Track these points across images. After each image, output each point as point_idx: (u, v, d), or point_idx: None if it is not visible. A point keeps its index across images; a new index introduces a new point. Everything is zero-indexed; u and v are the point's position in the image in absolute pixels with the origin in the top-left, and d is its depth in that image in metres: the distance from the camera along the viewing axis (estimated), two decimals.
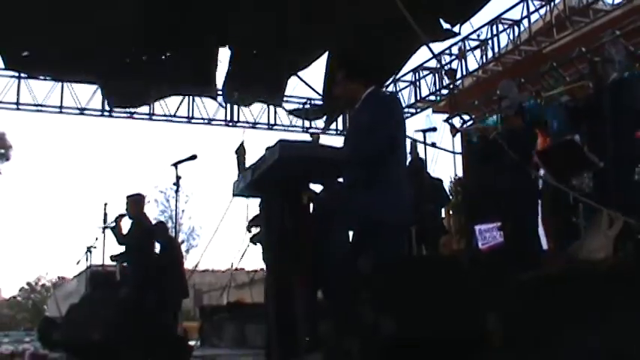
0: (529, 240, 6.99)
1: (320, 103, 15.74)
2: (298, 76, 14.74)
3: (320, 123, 16.40)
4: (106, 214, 11.59)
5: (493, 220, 10.65)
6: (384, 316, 2.96)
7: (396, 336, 2.91)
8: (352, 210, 4.74)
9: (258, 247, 8.04)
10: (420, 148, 8.40)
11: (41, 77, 14.19)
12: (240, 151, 6.78)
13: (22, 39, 12.23)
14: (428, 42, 8.36)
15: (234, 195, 5.74)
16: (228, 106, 15.60)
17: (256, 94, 14.89)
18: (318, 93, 15.38)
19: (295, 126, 16.12)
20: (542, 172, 7.38)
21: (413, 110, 15.57)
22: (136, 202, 9.56)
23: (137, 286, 8.57)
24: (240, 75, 13.59)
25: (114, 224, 9.87)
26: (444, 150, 10.79)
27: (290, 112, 15.90)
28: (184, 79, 13.83)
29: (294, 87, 15.32)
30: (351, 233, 5.01)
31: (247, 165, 5.88)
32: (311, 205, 6.83)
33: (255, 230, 7.89)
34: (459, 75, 13.76)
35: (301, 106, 16.06)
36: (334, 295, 6.26)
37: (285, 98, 15.80)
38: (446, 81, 14.25)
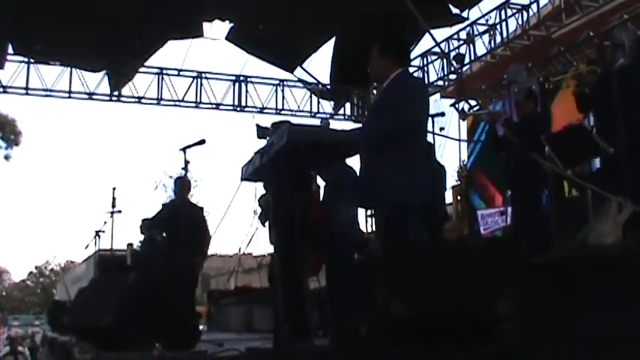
0: (540, 225, 6.99)
1: (328, 87, 15.72)
2: (303, 68, 14.61)
3: (328, 107, 16.38)
4: (114, 198, 11.62)
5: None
6: (395, 298, 2.97)
7: (407, 319, 2.92)
8: (369, 190, 4.73)
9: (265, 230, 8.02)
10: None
11: (50, 62, 14.20)
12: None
13: (31, 24, 12.21)
14: (429, 29, 8.34)
15: (242, 179, 5.76)
16: (237, 90, 15.62)
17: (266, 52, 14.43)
18: (319, 81, 15.31)
19: (303, 110, 16.10)
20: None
21: None
22: (182, 186, 9.33)
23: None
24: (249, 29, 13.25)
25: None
26: (450, 138, 10.80)
27: (300, 80, 15.72)
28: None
29: (301, 73, 15.24)
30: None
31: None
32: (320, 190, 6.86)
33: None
34: (467, 60, 13.72)
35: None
36: (340, 276, 6.29)
37: (292, 84, 15.79)
38: (454, 66, 14.20)
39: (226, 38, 13.23)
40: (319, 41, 13.89)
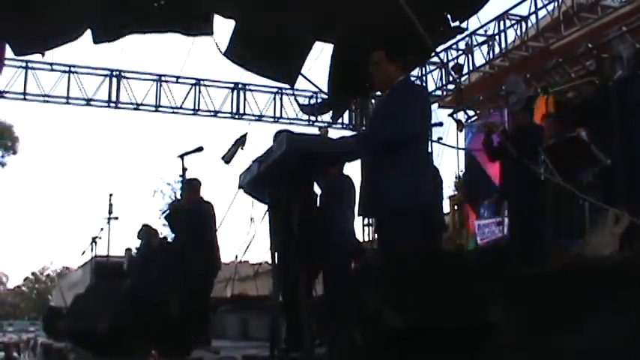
0: (536, 236, 6.97)
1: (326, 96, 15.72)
2: (303, 75, 14.60)
3: (326, 116, 16.37)
4: (111, 205, 11.63)
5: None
6: (390, 308, 2.97)
7: (402, 328, 2.92)
8: (371, 198, 4.72)
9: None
10: None
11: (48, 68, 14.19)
12: (241, 142, 6.70)
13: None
14: (435, 49, 8.40)
15: (239, 187, 5.76)
16: (235, 98, 15.64)
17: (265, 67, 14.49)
18: (320, 89, 15.29)
19: (301, 119, 16.12)
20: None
21: None
22: (193, 188, 9.21)
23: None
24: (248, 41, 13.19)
25: (168, 212, 9.69)
26: (449, 146, 10.80)
27: (300, 107, 15.83)
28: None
29: (300, 81, 15.25)
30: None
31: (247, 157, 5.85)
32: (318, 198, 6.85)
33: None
34: (465, 70, 13.74)
35: (308, 100, 16.04)
36: (337, 284, 6.28)
37: (292, 91, 15.77)
38: (452, 76, 14.22)
39: (224, 54, 13.26)
40: (312, 46, 13.88)
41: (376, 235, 5.14)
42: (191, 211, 8.67)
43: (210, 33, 12.78)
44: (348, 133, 16.19)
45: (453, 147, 12.21)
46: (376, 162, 4.65)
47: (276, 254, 5.53)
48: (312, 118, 16.10)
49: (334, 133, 14.72)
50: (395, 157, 4.52)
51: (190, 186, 8.82)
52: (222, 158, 6.45)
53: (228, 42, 12.88)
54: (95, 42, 13.39)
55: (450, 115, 13.59)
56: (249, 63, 13.69)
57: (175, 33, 12.97)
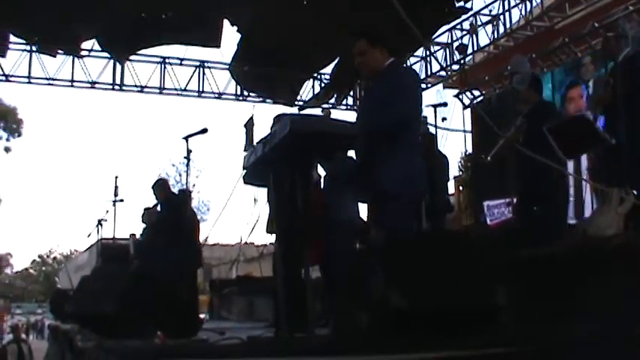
0: (544, 218, 6.94)
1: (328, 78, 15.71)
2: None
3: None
4: (116, 187, 11.65)
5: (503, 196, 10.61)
6: (394, 289, 2.97)
7: (406, 310, 2.93)
8: (366, 183, 4.73)
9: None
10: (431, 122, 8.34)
11: (53, 54, 14.16)
12: (249, 125, 6.75)
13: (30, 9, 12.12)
14: (428, 44, 8.45)
15: (244, 169, 5.76)
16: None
17: (266, 91, 14.82)
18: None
19: (304, 100, 16.10)
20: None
21: (424, 85, 15.49)
22: (161, 187, 9.46)
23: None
24: (250, 61, 13.38)
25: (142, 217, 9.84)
26: (454, 130, 10.79)
27: (302, 108, 15.84)
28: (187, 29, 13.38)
29: None
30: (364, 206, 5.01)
31: (256, 139, 5.88)
32: (321, 180, 6.85)
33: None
34: (470, 50, 13.68)
35: (312, 81, 16.03)
36: (339, 268, 6.29)
37: None
38: (457, 56, 14.16)
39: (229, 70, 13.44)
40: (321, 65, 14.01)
41: (372, 219, 5.16)
42: (164, 208, 8.87)
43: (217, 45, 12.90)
44: (352, 114, 16.21)
45: (459, 130, 12.18)
46: (371, 146, 4.65)
47: (279, 235, 5.54)
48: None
49: (338, 115, 14.75)
50: (391, 140, 4.53)
51: (158, 187, 9.07)
52: (245, 150, 6.48)
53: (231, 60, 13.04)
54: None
55: (455, 95, 13.57)
56: (250, 84, 13.91)
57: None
